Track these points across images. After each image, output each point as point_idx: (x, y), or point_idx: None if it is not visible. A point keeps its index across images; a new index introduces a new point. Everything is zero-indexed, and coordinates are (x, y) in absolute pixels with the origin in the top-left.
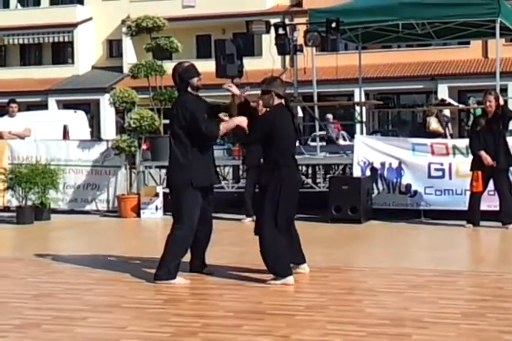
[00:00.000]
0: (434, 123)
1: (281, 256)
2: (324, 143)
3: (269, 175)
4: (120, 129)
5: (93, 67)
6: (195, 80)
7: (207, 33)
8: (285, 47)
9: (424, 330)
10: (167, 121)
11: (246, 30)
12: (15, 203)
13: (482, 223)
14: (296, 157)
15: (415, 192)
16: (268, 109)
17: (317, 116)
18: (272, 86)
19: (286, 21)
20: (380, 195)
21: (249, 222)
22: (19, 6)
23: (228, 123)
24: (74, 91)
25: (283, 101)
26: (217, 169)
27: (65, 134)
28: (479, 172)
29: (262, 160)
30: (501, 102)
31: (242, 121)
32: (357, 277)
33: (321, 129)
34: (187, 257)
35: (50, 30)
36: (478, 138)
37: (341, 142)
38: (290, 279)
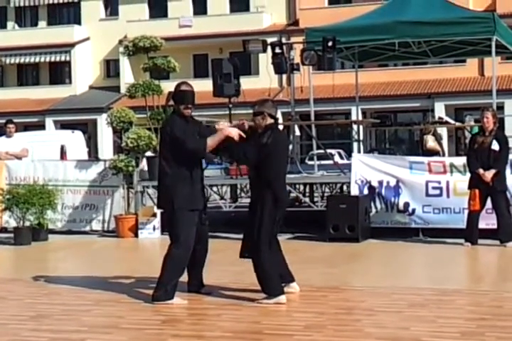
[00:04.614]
0: (430, 142)
1: (274, 275)
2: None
3: (258, 194)
4: (118, 149)
5: (90, 87)
6: (181, 107)
7: (204, 53)
8: (282, 66)
9: None
10: None
11: (243, 49)
12: (12, 224)
13: (480, 241)
14: (294, 176)
15: (413, 210)
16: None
17: (314, 134)
18: (264, 107)
19: (283, 40)
20: (378, 214)
21: None
22: (16, 26)
23: (216, 135)
24: (71, 112)
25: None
26: (215, 188)
27: (63, 154)
28: (477, 191)
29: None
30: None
31: (232, 132)
32: (355, 296)
33: (318, 148)
34: (185, 277)
35: (48, 50)
36: (475, 157)
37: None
38: (282, 298)
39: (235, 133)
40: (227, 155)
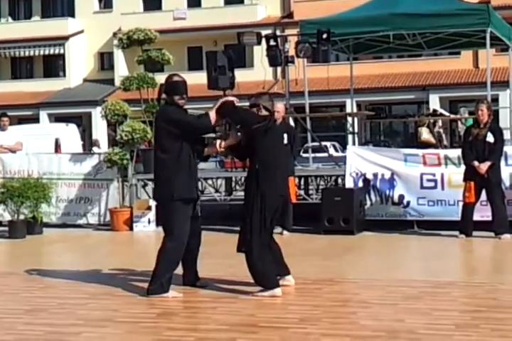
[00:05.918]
0: (425, 134)
1: (268, 268)
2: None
3: (252, 186)
4: (112, 142)
5: (85, 80)
6: (176, 98)
7: (198, 45)
8: (276, 58)
9: None
10: None
11: (237, 41)
12: (7, 217)
13: (475, 233)
14: None
15: (408, 202)
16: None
17: (309, 127)
18: (260, 99)
19: (278, 33)
20: (373, 206)
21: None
22: (10, 19)
23: (213, 105)
24: (65, 105)
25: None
26: (210, 181)
27: (57, 148)
28: (472, 183)
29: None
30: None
31: (228, 98)
32: (350, 289)
33: (313, 140)
34: (180, 270)
35: (42, 43)
36: (470, 149)
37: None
38: (278, 291)
39: (231, 99)
40: (235, 155)
